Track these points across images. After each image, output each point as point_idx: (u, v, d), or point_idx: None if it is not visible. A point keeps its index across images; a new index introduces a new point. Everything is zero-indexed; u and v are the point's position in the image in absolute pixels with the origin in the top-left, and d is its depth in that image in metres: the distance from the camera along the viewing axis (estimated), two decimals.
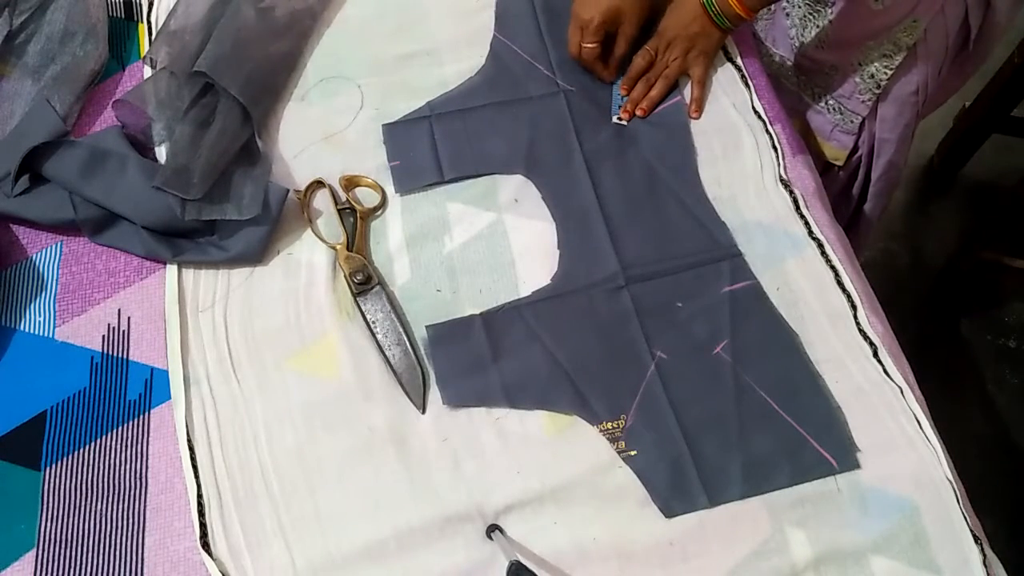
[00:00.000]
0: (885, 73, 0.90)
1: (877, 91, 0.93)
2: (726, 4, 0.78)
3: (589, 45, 0.79)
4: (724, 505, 0.63)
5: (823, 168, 1.04)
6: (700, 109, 0.82)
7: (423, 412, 0.67)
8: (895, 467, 0.65)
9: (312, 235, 0.74)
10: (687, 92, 0.83)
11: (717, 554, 0.61)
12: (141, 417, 0.66)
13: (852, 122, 0.98)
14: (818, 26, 0.92)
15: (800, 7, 0.94)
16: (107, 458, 0.65)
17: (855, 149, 1.01)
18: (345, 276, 0.71)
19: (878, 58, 0.90)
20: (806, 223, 0.75)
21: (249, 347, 0.69)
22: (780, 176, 0.78)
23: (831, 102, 0.99)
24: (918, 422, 0.66)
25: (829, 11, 0.90)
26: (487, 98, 0.81)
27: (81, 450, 0.65)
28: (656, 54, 0.81)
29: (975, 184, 1.69)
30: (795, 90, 1.03)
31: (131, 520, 0.62)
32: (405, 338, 0.69)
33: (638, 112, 0.81)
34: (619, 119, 0.81)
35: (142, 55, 0.84)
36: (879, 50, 0.89)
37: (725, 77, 0.84)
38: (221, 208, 0.71)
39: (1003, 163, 1.66)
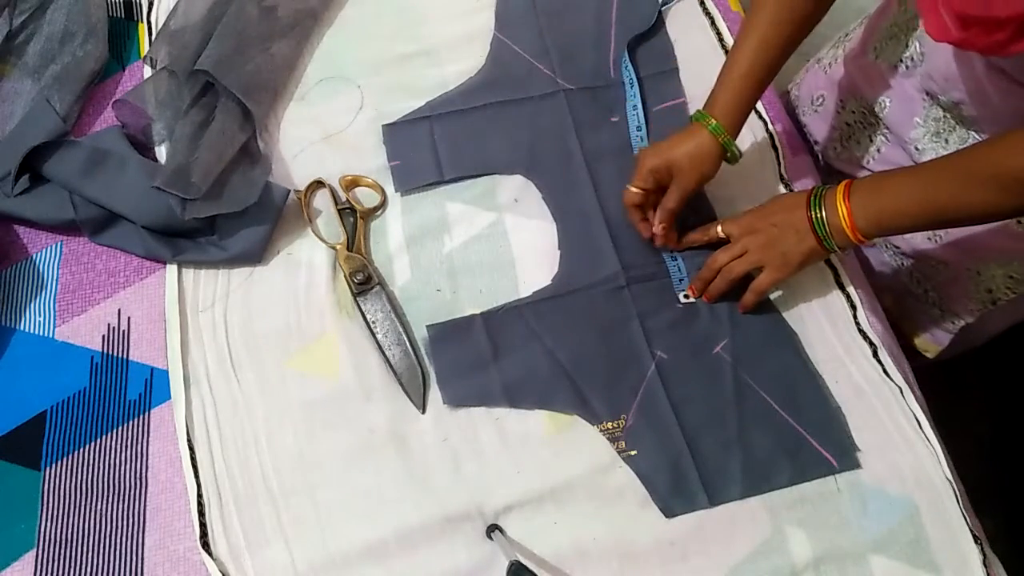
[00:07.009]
0: (1006, 295, 0.77)
1: (991, 306, 0.79)
2: (839, 226, 0.63)
3: (632, 188, 0.70)
4: (724, 505, 0.63)
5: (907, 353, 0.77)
6: (710, 298, 0.70)
7: (423, 412, 0.67)
8: (895, 467, 0.65)
9: (312, 235, 0.74)
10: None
11: (717, 554, 0.61)
12: (141, 417, 0.66)
13: (953, 323, 0.83)
14: None
15: None
16: (107, 458, 0.65)
17: (951, 347, 0.86)
18: (345, 276, 0.71)
19: (1002, 278, 0.76)
20: None
21: (249, 347, 0.69)
22: (780, 175, 0.78)
23: (932, 295, 0.84)
24: (918, 422, 0.66)
25: None
26: (487, 98, 0.81)
27: (81, 450, 0.65)
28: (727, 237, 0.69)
29: None
30: (895, 265, 0.85)
31: (131, 520, 0.62)
32: (405, 338, 0.69)
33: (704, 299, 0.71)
34: (686, 296, 0.71)
35: (142, 55, 0.84)
36: (1005, 269, 0.76)
37: None
38: (219, 206, 0.71)
39: None
